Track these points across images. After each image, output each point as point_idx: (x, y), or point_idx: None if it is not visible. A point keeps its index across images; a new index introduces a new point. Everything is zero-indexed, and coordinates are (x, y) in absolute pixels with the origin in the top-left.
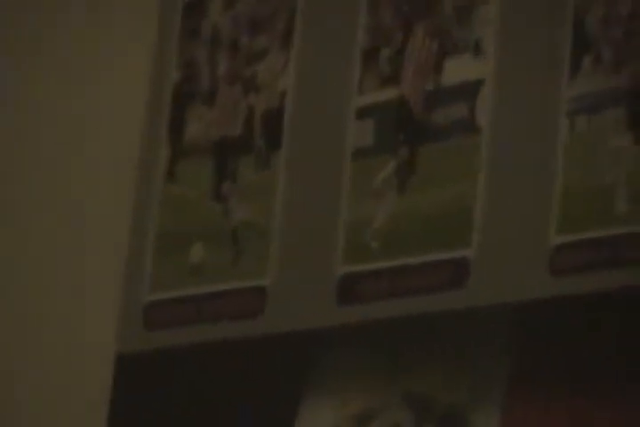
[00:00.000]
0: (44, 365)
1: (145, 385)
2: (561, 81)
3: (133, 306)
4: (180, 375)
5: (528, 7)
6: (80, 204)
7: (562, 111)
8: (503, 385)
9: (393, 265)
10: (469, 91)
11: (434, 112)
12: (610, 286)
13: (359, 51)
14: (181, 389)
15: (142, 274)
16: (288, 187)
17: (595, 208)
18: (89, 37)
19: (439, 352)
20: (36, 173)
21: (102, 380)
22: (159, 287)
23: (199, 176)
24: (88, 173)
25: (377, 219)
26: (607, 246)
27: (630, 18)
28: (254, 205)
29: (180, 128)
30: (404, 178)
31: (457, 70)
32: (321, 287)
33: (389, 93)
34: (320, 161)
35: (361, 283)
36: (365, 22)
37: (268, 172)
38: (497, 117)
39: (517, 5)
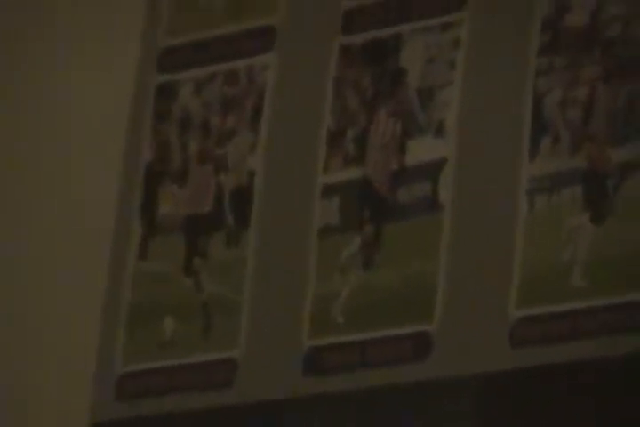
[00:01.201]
0: None
1: None
2: (521, 161)
3: (106, 377)
4: None
5: (488, 89)
6: (53, 279)
7: (522, 190)
8: None
9: (358, 339)
10: (432, 170)
11: (398, 191)
12: (568, 357)
13: (325, 131)
14: None
15: (115, 347)
16: (257, 263)
17: (553, 283)
18: (61, 124)
19: (402, 422)
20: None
21: None
22: (132, 359)
23: (171, 252)
24: (61, 252)
25: (342, 294)
26: (565, 320)
27: (587, 102)
28: (224, 280)
29: (152, 206)
30: (369, 254)
31: (420, 150)
32: (288, 359)
33: (354, 173)
34: (288, 238)
35: (327, 356)
36: (331, 104)
37: (238, 248)
38: (459, 196)
39: (478, 88)
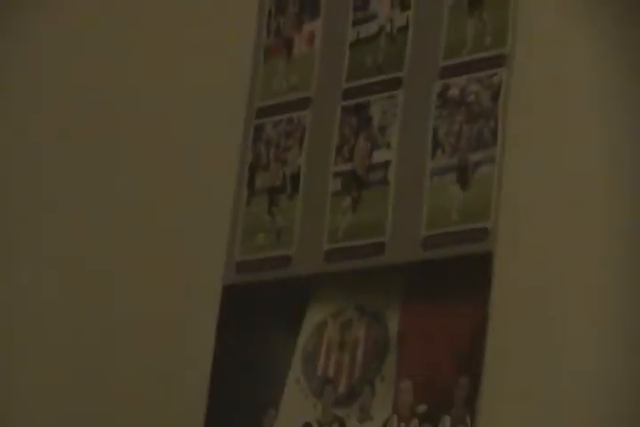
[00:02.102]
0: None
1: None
2: (427, 160)
3: (231, 262)
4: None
5: (413, 127)
6: (206, 214)
7: (428, 173)
8: (402, 296)
9: (350, 245)
10: (385, 166)
11: (369, 175)
12: (441, 255)
13: (334, 146)
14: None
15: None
16: (302, 210)
17: (445, 218)
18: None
19: (371, 286)
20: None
21: (211, 308)
22: (243, 254)
23: (261, 203)
24: (210, 202)
25: (342, 225)
26: (443, 237)
27: (458, 133)
28: (287, 217)
29: (253, 181)
30: (354, 206)
31: (379, 156)
32: (318, 253)
33: (349, 166)
34: (317, 198)
35: (335, 252)
36: (337, 134)
37: (293, 202)
38: (397, 177)
39: (408, 126)
